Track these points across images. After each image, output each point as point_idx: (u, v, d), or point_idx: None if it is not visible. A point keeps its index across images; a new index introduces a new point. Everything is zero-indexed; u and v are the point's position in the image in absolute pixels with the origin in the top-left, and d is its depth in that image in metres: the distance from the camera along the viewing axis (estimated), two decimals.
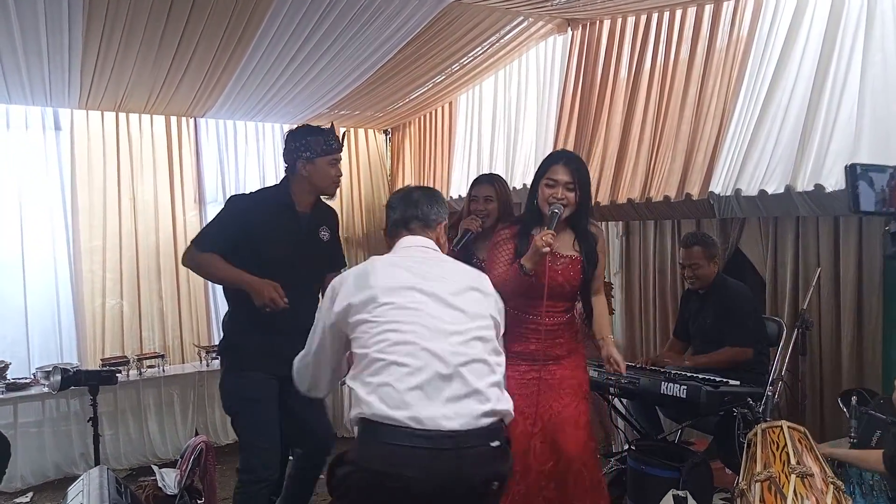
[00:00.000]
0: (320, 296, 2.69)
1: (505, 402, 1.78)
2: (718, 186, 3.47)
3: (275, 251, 2.59)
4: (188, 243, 2.79)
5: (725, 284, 3.23)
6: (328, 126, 2.81)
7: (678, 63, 3.84)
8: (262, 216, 2.64)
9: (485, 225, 3.10)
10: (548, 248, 2.32)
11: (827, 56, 3.10)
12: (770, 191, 3.23)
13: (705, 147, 3.61)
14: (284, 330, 2.46)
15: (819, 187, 3.03)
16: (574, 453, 2.37)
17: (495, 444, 1.71)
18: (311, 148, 2.66)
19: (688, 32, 3.80)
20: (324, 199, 2.85)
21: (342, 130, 2.94)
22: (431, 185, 5.73)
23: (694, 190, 3.57)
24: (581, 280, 2.52)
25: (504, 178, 3.38)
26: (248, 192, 2.98)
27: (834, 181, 2.93)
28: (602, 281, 2.66)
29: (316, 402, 2.62)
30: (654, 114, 3.90)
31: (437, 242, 2.02)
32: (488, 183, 3.19)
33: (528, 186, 2.59)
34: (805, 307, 2.86)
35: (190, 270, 2.95)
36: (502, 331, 1.93)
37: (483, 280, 1.95)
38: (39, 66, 4.05)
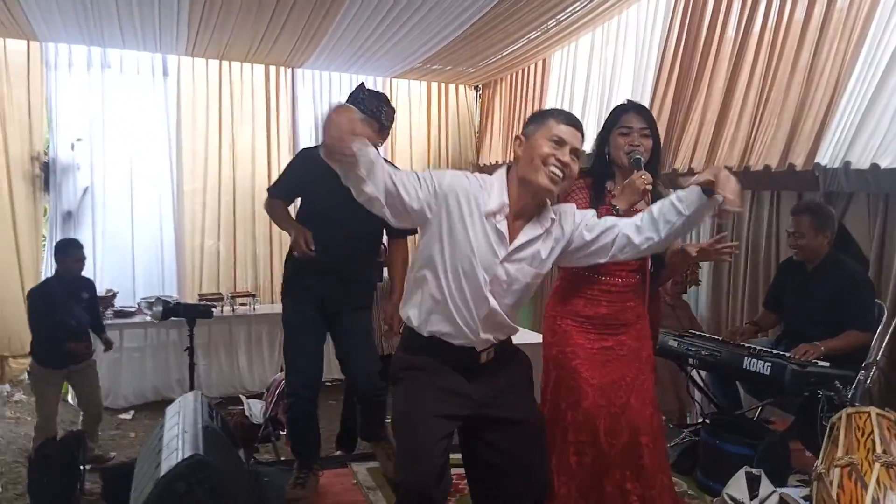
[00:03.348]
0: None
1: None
2: (826, 158, 3.27)
3: (321, 205, 2.71)
4: None
5: (842, 264, 3.00)
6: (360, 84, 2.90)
7: (792, 24, 3.59)
8: (316, 171, 2.60)
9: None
10: (650, 186, 2.26)
11: None
12: (883, 165, 3.01)
13: (814, 115, 3.39)
14: (336, 272, 2.75)
15: None
16: (643, 428, 2.30)
17: None
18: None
19: None
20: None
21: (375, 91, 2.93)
22: None
23: (798, 160, 3.38)
24: None
25: None
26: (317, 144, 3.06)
27: None
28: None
29: (363, 343, 2.91)
30: (761, 78, 3.68)
31: None
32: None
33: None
34: None
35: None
36: None
37: None
38: (151, 12, 4.25)
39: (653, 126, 2.37)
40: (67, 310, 3.50)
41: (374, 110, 2.73)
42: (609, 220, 2.02)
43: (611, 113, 2.45)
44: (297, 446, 2.98)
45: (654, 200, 2.35)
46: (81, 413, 3.72)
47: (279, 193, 2.96)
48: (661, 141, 2.57)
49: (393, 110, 2.89)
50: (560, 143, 1.89)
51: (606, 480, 2.27)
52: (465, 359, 1.95)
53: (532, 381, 2.15)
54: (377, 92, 2.93)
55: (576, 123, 1.95)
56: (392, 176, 1.82)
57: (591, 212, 2.07)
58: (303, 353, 2.88)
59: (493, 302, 1.89)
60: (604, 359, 2.31)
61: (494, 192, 1.90)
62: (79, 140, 5.11)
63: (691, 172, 3.70)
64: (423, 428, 1.89)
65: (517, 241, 1.90)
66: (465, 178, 1.93)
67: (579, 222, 2.00)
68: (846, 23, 3.35)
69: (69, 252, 3.58)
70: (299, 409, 2.89)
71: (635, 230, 1.98)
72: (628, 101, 2.49)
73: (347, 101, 2.73)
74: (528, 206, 1.93)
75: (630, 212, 2.22)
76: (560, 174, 1.88)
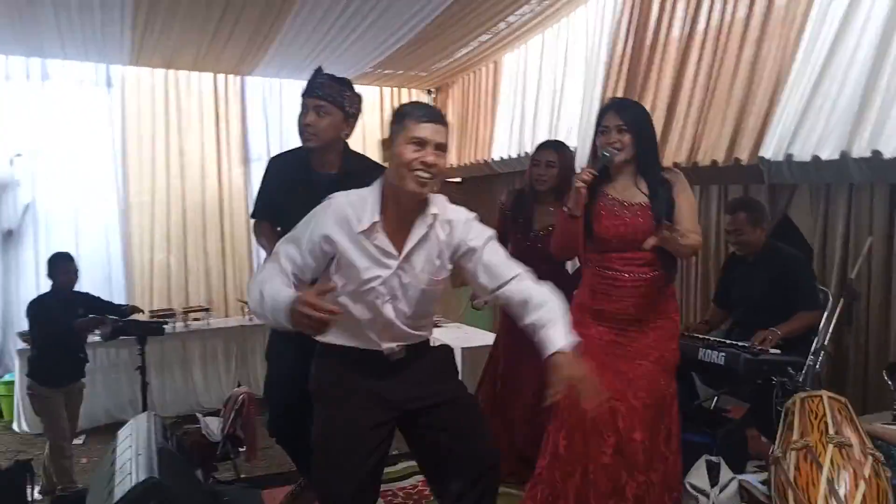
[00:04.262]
0: None
1: None
2: (769, 152, 3.34)
3: (291, 213, 2.27)
4: (232, 201, 2.83)
5: (778, 251, 3.10)
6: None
7: (734, 23, 3.68)
8: (284, 179, 2.58)
9: (541, 189, 3.13)
10: (581, 185, 2.28)
11: (894, 16, 2.93)
12: (824, 157, 3.10)
13: (757, 110, 3.47)
14: None
15: (877, 153, 2.89)
16: (636, 425, 2.27)
17: None
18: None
19: None
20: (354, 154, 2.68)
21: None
22: (474, 147, 5.70)
23: (743, 155, 3.45)
24: (652, 229, 2.31)
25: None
26: (287, 150, 2.85)
27: (893, 147, 2.80)
28: (692, 226, 2.37)
29: None
30: (707, 75, 3.76)
31: None
32: (552, 149, 3.21)
33: (574, 149, 2.55)
34: (853, 277, 2.76)
35: (234, 227, 3.01)
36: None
37: None
38: (91, 19, 4.12)
39: (633, 120, 2.34)
40: (63, 325, 3.41)
41: (334, 97, 2.46)
42: (478, 249, 1.93)
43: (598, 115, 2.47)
44: (293, 458, 2.89)
45: (655, 188, 2.34)
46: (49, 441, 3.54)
47: (263, 213, 2.67)
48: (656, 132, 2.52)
49: (358, 96, 2.58)
50: (421, 143, 1.86)
51: (592, 465, 2.29)
52: (374, 360, 1.97)
53: (454, 367, 2.18)
54: (337, 77, 2.57)
55: (435, 117, 1.90)
56: (294, 266, 1.91)
57: (487, 234, 1.97)
58: (282, 375, 2.68)
59: (389, 314, 1.92)
60: (608, 352, 2.32)
61: (367, 210, 1.90)
62: (18, 155, 4.91)
63: None
64: (342, 444, 1.93)
65: (406, 248, 1.90)
66: (340, 207, 1.92)
67: (464, 238, 1.94)
68: (785, 19, 3.45)
69: (58, 265, 3.51)
70: (277, 424, 2.75)
71: (484, 271, 1.92)
72: (611, 99, 2.52)
73: (305, 90, 2.53)
74: (408, 210, 1.92)
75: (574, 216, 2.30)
76: (427, 175, 1.86)
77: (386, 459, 2.06)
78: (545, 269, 2.24)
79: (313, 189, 2.30)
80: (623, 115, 2.33)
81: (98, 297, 3.81)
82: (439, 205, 1.96)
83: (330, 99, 2.44)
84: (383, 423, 1.98)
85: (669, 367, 2.38)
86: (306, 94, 2.50)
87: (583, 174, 2.30)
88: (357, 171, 2.40)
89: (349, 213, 1.91)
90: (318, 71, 2.54)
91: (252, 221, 2.80)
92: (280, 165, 2.70)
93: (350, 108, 2.51)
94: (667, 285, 2.44)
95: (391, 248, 1.90)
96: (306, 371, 2.14)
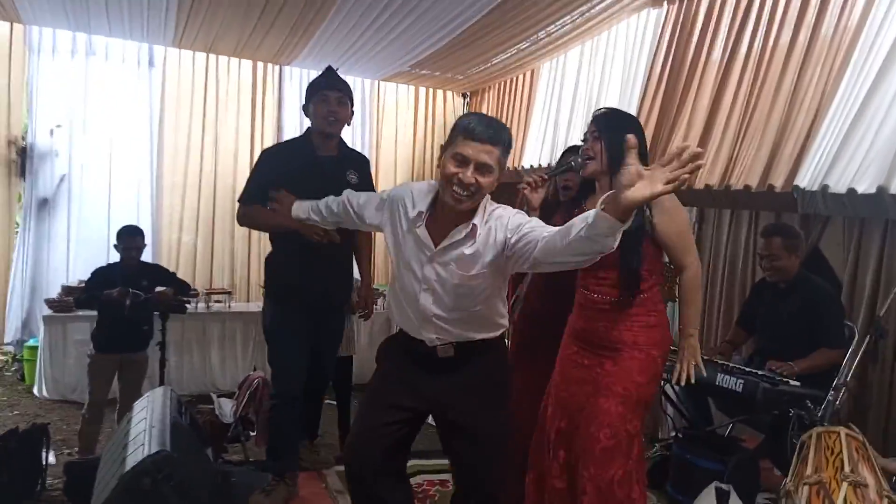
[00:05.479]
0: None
1: None
2: (805, 181, 3.31)
3: (297, 191, 2.63)
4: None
5: (811, 282, 3.05)
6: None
7: (777, 48, 3.65)
8: (284, 163, 2.84)
9: (565, 197, 3.11)
10: (523, 186, 2.31)
11: None
12: (860, 190, 3.06)
13: (795, 138, 3.43)
14: (318, 269, 2.76)
15: None
16: (585, 456, 2.14)
17: None
18: (309, 92, 2.90)
19: (791, 16, 3.59)
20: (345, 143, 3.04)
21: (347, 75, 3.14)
22: None
23: (778, 181, 3.42)
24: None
25: None
26: (280, 142, 3.17)
27: None
28: (681, 254, 2.20)
29: (335, 341, 3.14)
30: (745, 99, 3.72)
31: None
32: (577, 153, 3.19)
33: None
34: (882, 314, 2.72)
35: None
36: None
37: None
38: (139, 0, 4.20)
39: (605, 127, 2.21)
40: (118, 294, 3.38)
41: (348, 93, 2.93)
42: (534, 228, 1.89)
43: None
44: (274, 451, 2.95)
45: None
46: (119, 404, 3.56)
47: (255, 199, 2.83)
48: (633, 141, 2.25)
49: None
50: (463, 161, 1.86)
51: (547, 489, 2.28)
52: (423, 351, 2.05)
53: (501, 382, 2.12)
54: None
55: (484, 137, 1.86)
56: (349, 204, 2.29)
57: (534, 219, 1.97)
58: (290, 356, 2.86)
59: (422, 299, 2.00)
60: (574, 375, 2.26)
61: (422, 201, 2.01)
62: (58, 126, 5.02)
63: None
64: (370, 412, 2.10)
65: (442, 244, 1.96)
66: (406, 190, 2.08)
67: (514, 228, 1.92)
68: (829, 50, 3.41)
69: (122, 238, 3.55)
70: (282, 413, 2.88)
71: (546, 237, 1.83)
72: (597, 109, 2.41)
73: (326, 84, 2.88)
74: (451, 213, 1.95)
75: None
76: (464, 194, 1.87)
77: (409, 444, 2.13)
78: (569, 277, 2.24)
79: (318, 168, 2.80)
80: (598, 123, 2.24)
81: (166, 270, 3.83)
82: (485, 213, 1.96)
83: (347, 93, 2.91)
84: (407, 408, 2.06)
85: (631, 404, 2.15)
86: (328, 88, 2.87)
87: (529, 176, 2.30)
88: (351, 157, 3.00)
89: (409, 198, 2.04)
90: (332, 69, 2.97)
91: (237, 207, 2.95)
92: (280, 153, 3.00)
93: (353, 103, 2.98)
94: (644, 312, 2.21)
95: (429, 241, 1.98)
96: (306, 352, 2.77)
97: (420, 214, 1.99)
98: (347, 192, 2.34)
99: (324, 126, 2.85)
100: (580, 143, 2.35)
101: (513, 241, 1.90)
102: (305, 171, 2.77)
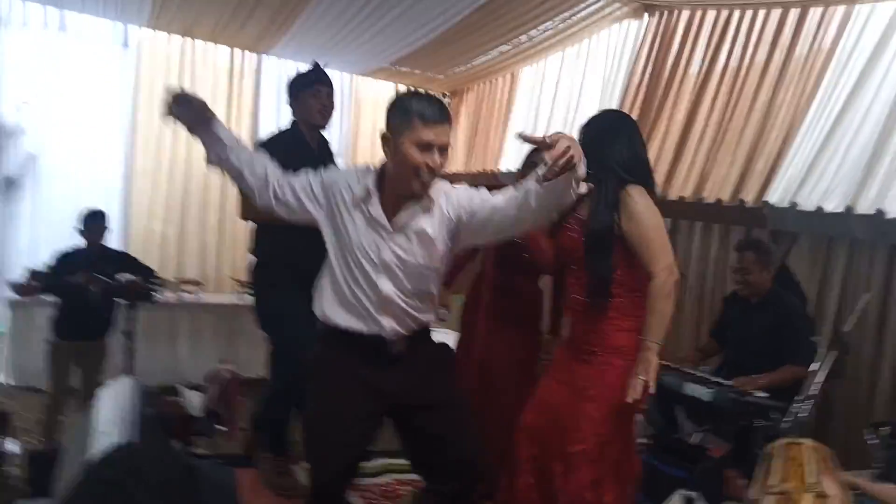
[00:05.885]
0: None
1: None
2: (775, 197, 3.40)
3: None
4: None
5: (780, 299, 3.10)
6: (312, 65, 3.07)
7: (753, 65, 3.74)
8: (283, 156, 2.77)
9: None
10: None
11: None
12: (828, 208, 3.15)
13: (767, 155, 3.53)
14: (309, 245, 2.64)
15: (880, 212, 2.95)
16: (560, 462, 2.16)
17: None
18: (299, 85, 2.96)
19: (768, 35, 3.69)
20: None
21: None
22: (483, 157, 5.71)
23: (749, 197, 3.51)
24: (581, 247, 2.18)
25: None
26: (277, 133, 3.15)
27: None
28: (647, 261, 2.12)
29: None
30: (720, 114, 3.81)
31: None
32: None
33: None
34: (847, 331, 2.80)
35: (235, 204, 3.08)
36: None
37: None
38: None
39: (587, 132, 2.28)
40: (84, 279, 3.35)
41: (333, 87, 2.99)
42: (484, 199, 1.93)
43: None
44: (277, 437, 2.97)
45: (594, 205, 2.23)
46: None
47: None
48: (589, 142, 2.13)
49: None
50: (427, 147, 1.84)
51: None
52: (377, 348, 1.97)
53: (452, 367, 2.22)
54: None
55: (440, 118, 1.86)
56: (281, 179, 2.01)
57: (480, 190, 1.99)
58: (293, 342, 2.77)
59: (385, 287, 1.92)
60: (558, 376, 2.30)
61: (362, 179, 1.94)
62: (25, 103, 4.86)
63: None
64: (332, 431, 1.95)
65: (399, 220, 1.92)
66: (331, 174, 2.01)
67: (465, 199, 1.95)
68: (803, 70, 3.51)
69: (85, 222, 3.52)
70: (282, 398, 2.87)
71: (502, 201, 1.88)
72: None
73: (318, 79, 2.94)
74: (403, 195, 1.93)
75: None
76: (431, 178, 1.88)
77: (370, 444, 2.08)
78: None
79: (314, 160, 2.75)
80: (581, 130, 2.31)
81: (134, 259, 3.76)
82: (436, 190, 1.94)
83: (333, 88, 3.00)
84: (374, 412, 2.00)
85: (604, 409, 2.14)
86: (320, 83, 2.95)
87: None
88: (327, 148, 3.07)
89: (347, 179, 1.97)
90: (318, 65, 3.03)
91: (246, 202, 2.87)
92: (276, 145, 2.87)
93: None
94: (622, 316, 2.18)
95: (383, 219, 1.91)
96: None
97: (369, 192, 1.90)
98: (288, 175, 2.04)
99: (318, 119, 2.94)
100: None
101: (466, 216, 1.93)
102: (306, 163, 2.73)
